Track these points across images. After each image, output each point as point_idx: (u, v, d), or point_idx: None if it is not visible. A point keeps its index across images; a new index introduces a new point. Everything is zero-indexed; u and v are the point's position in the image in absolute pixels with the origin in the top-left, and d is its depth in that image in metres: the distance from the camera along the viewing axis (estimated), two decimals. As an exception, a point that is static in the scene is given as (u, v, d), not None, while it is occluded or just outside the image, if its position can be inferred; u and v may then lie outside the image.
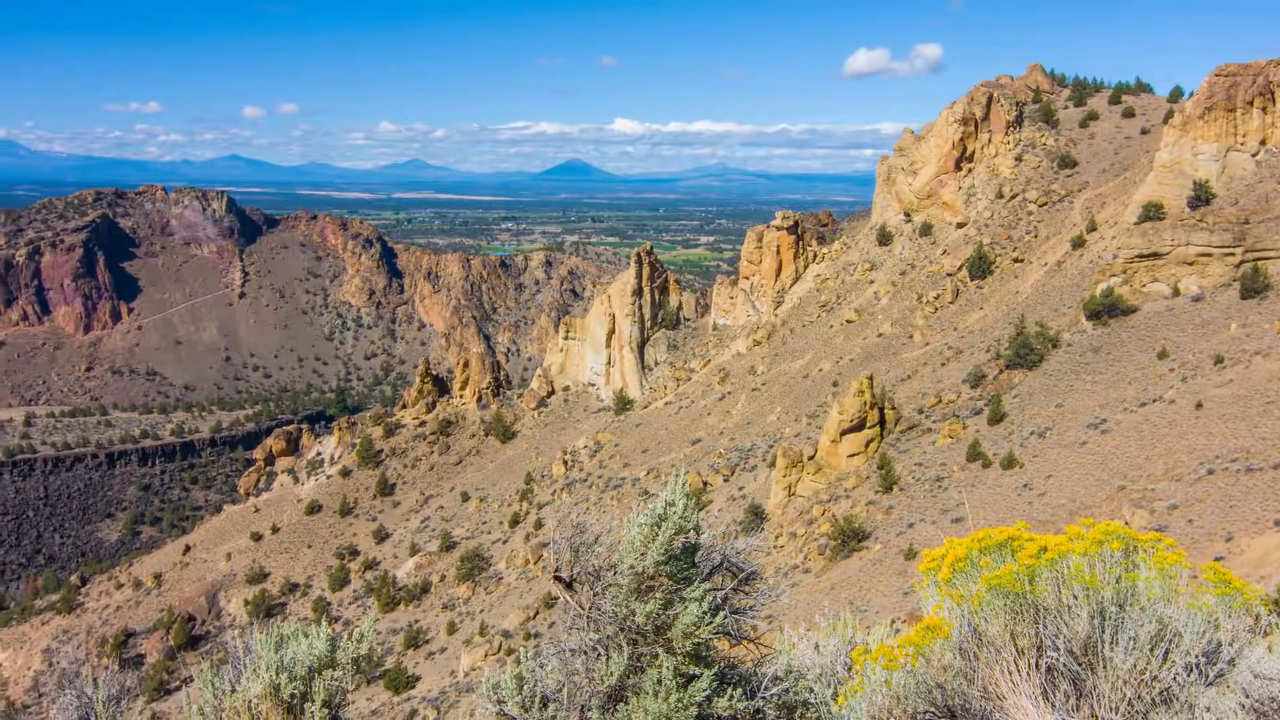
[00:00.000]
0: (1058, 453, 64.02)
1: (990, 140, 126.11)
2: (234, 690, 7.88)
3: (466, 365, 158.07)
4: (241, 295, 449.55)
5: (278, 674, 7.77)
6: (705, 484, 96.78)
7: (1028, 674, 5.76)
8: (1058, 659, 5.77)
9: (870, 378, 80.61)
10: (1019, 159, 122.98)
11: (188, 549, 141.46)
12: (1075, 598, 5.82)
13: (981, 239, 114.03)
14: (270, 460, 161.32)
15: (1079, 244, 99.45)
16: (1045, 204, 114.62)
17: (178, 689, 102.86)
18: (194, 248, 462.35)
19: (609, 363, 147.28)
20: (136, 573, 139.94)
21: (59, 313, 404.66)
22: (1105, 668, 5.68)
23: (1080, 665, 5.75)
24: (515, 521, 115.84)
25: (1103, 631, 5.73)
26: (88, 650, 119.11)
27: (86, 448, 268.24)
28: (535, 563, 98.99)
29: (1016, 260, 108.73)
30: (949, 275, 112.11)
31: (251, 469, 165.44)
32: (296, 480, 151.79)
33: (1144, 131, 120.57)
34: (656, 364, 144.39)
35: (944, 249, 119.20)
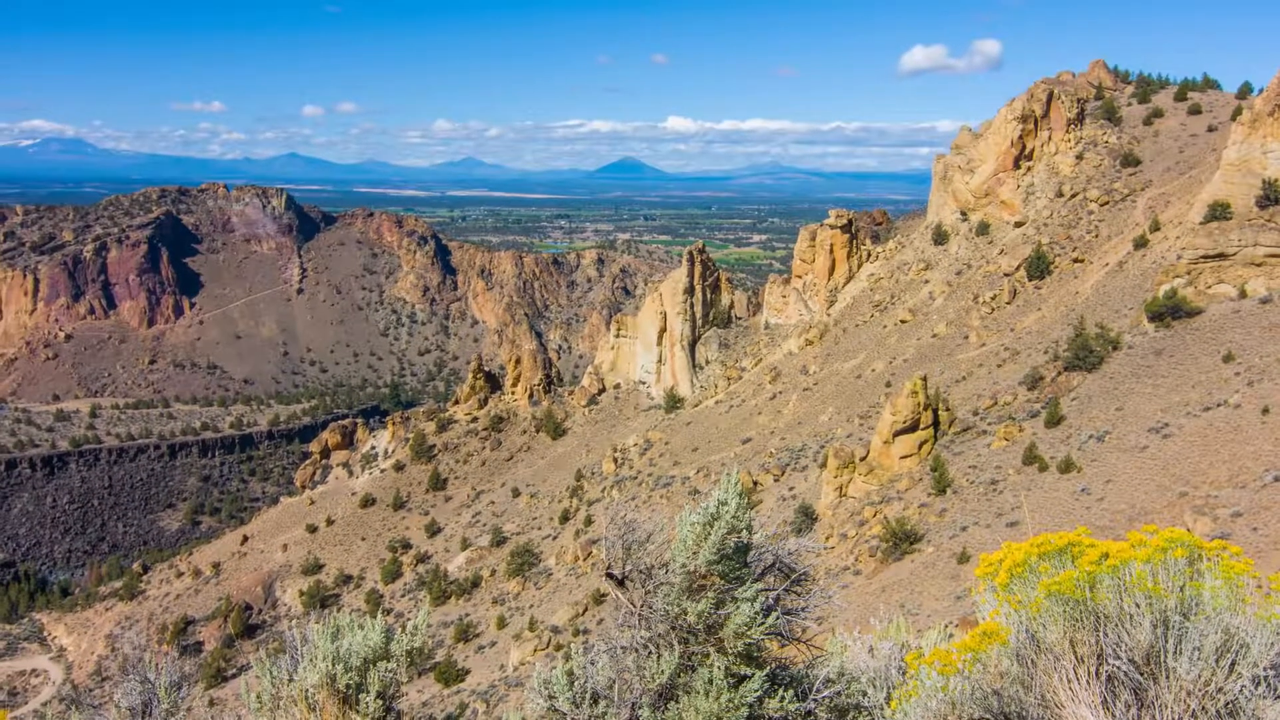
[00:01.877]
0: (1117, 457, 62.72)
1: (1050, 138, 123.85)
2: (291, 679, 8.02)
3: (518, 362, 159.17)
4: (299, 291, 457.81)
5: (334, 664, 7.89)
6: (755, 484, 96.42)
7: (1087, 682, 5.65)
8: (1119, 668, 5.66)
9: (924, 378, 79.66)
10: (1080, 157, 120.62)
11: (245, 539, 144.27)
12: (1138, 606, 5.69)
13: (1040, 238, 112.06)
14: (326, 454, 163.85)
15: (1141, 244, 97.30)
16: (1107, 203, 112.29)
17: (235, 676, 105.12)
18: (254, 244, 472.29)
19: (660, 361, 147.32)
20: (196, 562, 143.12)
21: (124, 307, 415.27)
22: (1168, 678, 5.55)
23: (1142, 675, 5.63)
24: (565, 518, 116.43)
25: (1166, 641, 5.60)
26: (149, 636, 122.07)
27: (149, 439, 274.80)
28: (584, 559, 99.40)
29: (1076, 260, 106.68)
30: (1006, 275, 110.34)
31: (307, 462, 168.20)
32: (351, 474, 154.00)
33: (1211, 129, 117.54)
34: (708, 362, 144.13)
35: (1001, 248, 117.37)
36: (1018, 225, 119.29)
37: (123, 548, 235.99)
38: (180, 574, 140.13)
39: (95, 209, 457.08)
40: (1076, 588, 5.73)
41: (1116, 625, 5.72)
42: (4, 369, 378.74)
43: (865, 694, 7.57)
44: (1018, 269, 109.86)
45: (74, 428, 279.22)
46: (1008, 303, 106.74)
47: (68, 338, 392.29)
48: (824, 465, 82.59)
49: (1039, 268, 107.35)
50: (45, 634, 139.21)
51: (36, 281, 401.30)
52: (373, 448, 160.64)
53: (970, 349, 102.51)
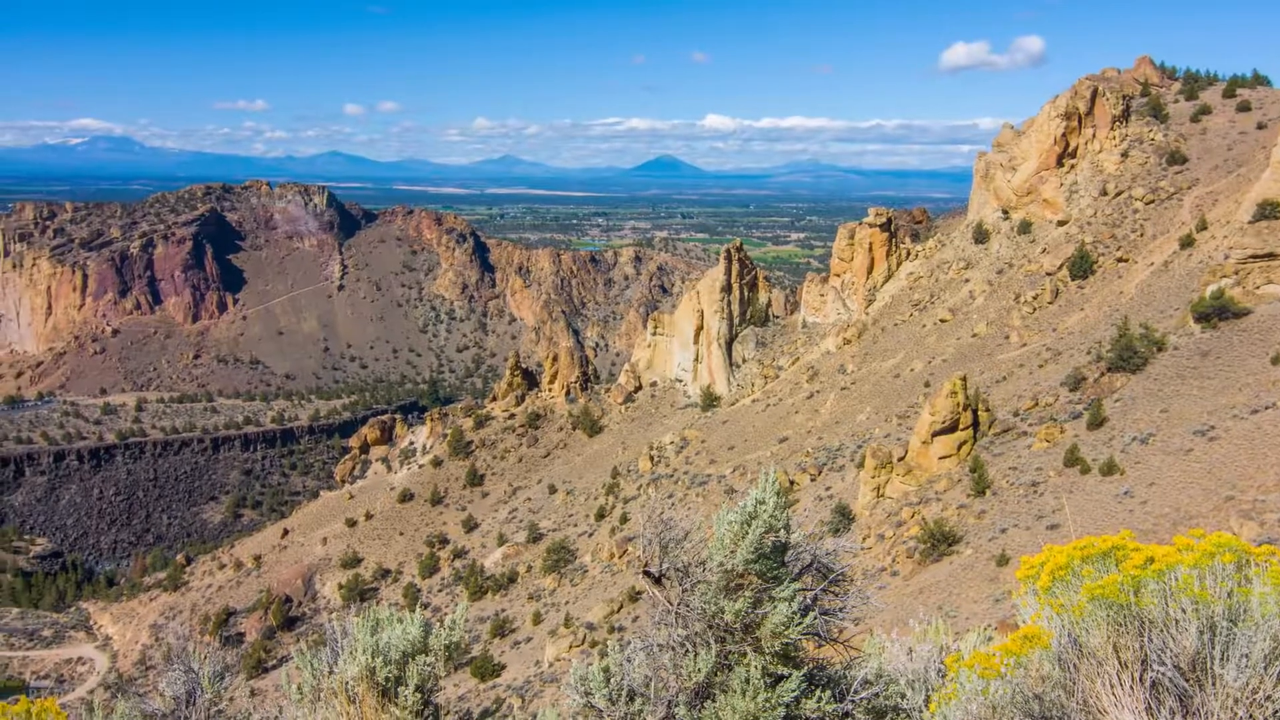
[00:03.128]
0: (1161, 460, 61.71)
1: (1095, 135, 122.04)
2: (331, 672, 8.12)
3: (555, 359, 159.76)
4: (340, 288, 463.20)
5: (373, 658, 7.97)
6: (792, 483, 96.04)
7: (1131, 688, 5.57)
8: (1164, 674, 5.57)
9: (964, 378, 78.87)
10: (1125, 155, 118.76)
11: (286, 533, 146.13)
12: (1184, 611, 5.61)
13: (1083, 237, 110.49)
14: (365, 449, 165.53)
15: (1188, 243, 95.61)
16: (1152, 201, 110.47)
17: (275, 667, 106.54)
18: (296, 241, 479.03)
19: (697, 359, 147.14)
20: (238, 554, 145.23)
21: (169, 303, 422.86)
22: (1215, 685, 5.46)
23: (1188, 682, 5.55)
24: (601, 515, 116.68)
25: (1213, 647, 5.51)
26: (191, 627, 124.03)
27: (193, 433, 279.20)
28: (620, 557, 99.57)
29: (1120, 260, 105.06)
30: (1048, 275, 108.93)
31: (347, 457, 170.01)
32: (390, 469, 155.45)
33: (1260, 126, 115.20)
34: (744, 361, 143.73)
35: (1044, 247, 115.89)
36: (1060, 224, 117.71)
37: (167, 539, 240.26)
38: (222, 566, 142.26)
39: (142, 206, 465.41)
40: (1121, 592, 5.65)
41: (1162, 631, 5.63)
42: (53, 363, 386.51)
43: (904, 696, 7.51)
44: (1060, 268, 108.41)
45: (120, 421, 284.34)
46: (1050, 302, 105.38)
47: (115, 333, 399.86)
48: (861, 465, 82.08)
49: (1082, 267, 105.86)
50: (91, 623, 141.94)
51: (85, 277, 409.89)
52: (411, 443, 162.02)
53: (1011, 349, 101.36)
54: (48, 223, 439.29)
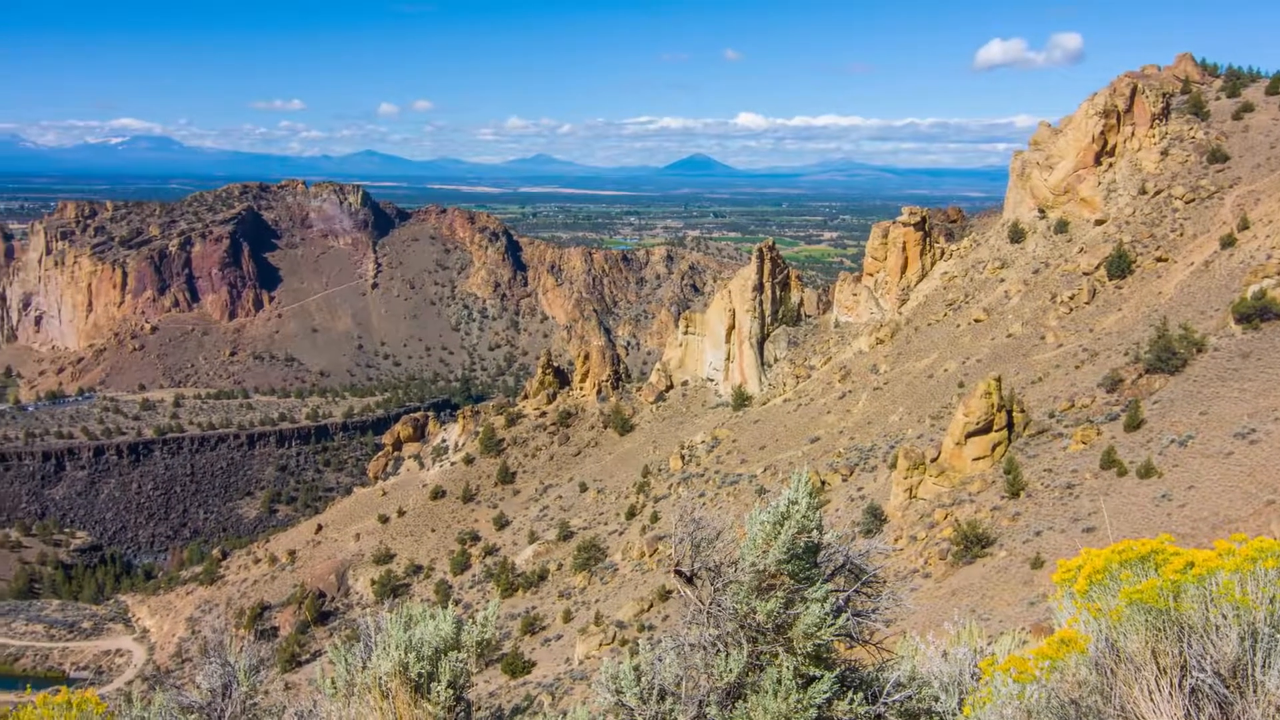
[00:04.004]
0: (1200, 463, 60.79)
1: (1134, 134, 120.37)
2: (365, 667, 8.19)
3: (587, 358, 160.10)
4: (374, 286, 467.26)
5: (406, 653, 8.03)
6: (823, 483, 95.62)
7: (1170, 695, 5.49)
8: (1203, 680, 5.49)
9: (998, 379, 78.13)
10: (1165, 153, 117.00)
11: (320, 528, 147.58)
12: (1225, 617, 5.52)
13: (1122, 237, 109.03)
14: (398, 446, 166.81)
15: (1229, 243, 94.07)
16: (1192, 201, 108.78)
17: (308, 661, 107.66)
18: (330, 239, 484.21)
19: (728, 358, 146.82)
20: (272, 549, 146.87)
21: (207, 300, 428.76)
22: (1256, 692, 5.37)
23: (1228, 689, 5.46)
24: (631, 514, 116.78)
25: (1254, 654, 5.42)
26: (226, 620, 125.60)
27: (229, 428, 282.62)
28: (650, 555, 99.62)
29: (1159, 260, 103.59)
30: (1085, 274, 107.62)
31: (380, 454, 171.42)
32: (422, 466, 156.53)
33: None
34: (776, 360, 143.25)
35: (1081, 247, 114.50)
36: (1098, 223, 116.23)
37: (203, 534, 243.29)
38: (257, 560, 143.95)
39: (180, 205, 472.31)
40: (1160, 597, 5.58)
41: (1202, 636, 5.55)
42: (93, 359, 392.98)
43: (937, 699, 7.46)
44: (1098, 268, 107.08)
45: (159, 416, 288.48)
46: (1087, 303, 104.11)
47: (153, 330, 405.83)
48: (894, 466, 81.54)
49: (1120, 267, 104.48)
50: (129, 615, 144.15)
51: (125, 275, 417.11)
52: (443, 441, 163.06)
53: (1047, 349, 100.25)
54: (89, 221, 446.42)
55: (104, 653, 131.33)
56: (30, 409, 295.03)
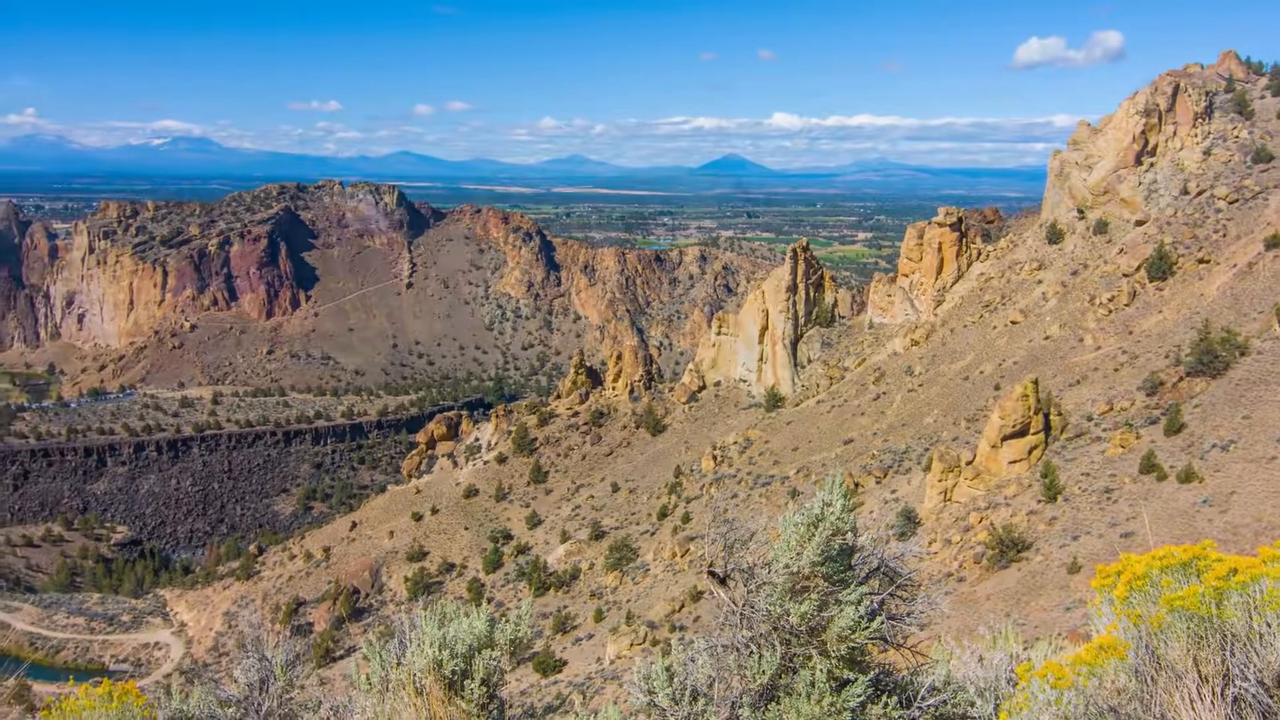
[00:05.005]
0: (1243, 468, 59.76)
1: (1175, 133, 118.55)
2: (399, 663, 8.25)
3: (619, 358, 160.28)
4: (409, 285, 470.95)
5: (440, 650, 8.08)
6: (857, 485, 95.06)
7: (1212, 704, 5.41)
8: (1246, 690, 5.40)
9: (1035, 381, 77.28)
10: (1208, 153, 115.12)
11: (354, 525, 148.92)
12: (1269, 625, 5.42)
13: (1163, 238, 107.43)
14: (432, 444, 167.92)
15: (1274, 244, 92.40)
16: (1236, 201, 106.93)
17: (342, 657, 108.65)
18: (366, 239, 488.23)
19: (761, 359, 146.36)
20: (308, 545, 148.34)
21: (245, 299, 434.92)
22: (1302, 703, 5.27)
23: (1272, 699, 5.36)
24: (663, 514, 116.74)
25: (1300, 663, 5.32)
26: (263, 615, 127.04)
27: (266, 426, 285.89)
28: (682, 556, 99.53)
29: (1201, 261, 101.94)
30: (1125, 276, 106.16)
31: (414, 452, 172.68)
32: (456, 464, 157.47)
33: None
34: (809, 361, 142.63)
35: (1120, 248, 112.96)
36: (1138, 224, 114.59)
37: (240, 529, 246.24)
38: (293, 556, 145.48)
39: (219, 205, 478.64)
40: (1201, 603, 5.49)
41: (1245, 645, 5.46)
42: (134, 356, 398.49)
43: (973, 705, 7.39)
44: (1138, 269, 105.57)
45: (197, 413, 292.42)
46: (1126, 304, 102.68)
47: (192, 328, 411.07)
48: (928, 468, 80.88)
49: (1161, 268, 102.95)
50: (168, 609, 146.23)
51: (165, 274, 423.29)
52: (476, 439, 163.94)
53: (1085, 352, 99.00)
54: (130, 221, 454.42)
55: (142, 646, 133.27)
56: (73, 405, 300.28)
